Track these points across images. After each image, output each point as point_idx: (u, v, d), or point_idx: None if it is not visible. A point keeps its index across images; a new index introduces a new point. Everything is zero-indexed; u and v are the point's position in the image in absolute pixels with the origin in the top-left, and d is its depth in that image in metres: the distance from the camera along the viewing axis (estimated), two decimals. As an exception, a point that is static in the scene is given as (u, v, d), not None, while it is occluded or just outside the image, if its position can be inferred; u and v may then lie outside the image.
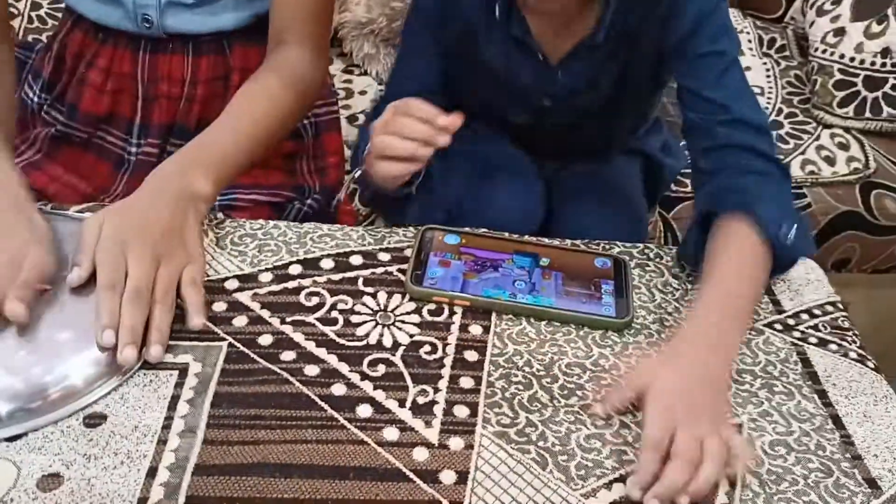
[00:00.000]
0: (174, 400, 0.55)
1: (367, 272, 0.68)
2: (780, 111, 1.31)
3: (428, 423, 0.55)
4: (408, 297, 0.66)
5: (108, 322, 0.56)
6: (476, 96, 0.85)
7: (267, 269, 0.67)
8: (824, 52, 1.27)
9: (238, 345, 0.59)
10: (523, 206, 0.83)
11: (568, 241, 0.74)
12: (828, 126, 1.27)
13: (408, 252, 0.70)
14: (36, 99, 0.87)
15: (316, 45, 0.79)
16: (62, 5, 1.30)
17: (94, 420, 0.53)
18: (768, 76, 1.37)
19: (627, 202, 0.92)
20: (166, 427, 0.53)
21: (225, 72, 0.83)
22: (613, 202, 0.90)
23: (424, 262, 0.68)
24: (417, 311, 0.65)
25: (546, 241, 0.74)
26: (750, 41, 1.45)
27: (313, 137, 0.90)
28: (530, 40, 0.78)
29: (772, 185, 0.68)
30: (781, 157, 0.71)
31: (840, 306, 0.72)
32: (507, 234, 0.74)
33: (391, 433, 0.54)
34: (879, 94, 1.23)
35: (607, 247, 0.74)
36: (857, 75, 1.23)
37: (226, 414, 0.54)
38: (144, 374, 0.56)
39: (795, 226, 0.65)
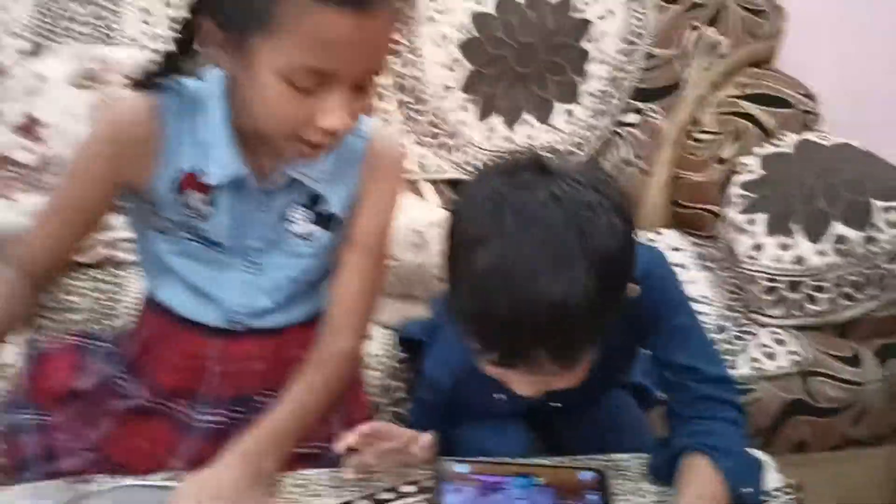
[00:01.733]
0: None
1: (396, 504, 0.83)
2: (724, 317, 1.52)
3: None
4: (430, 524, 0.80)
5: None
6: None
7: (311, 512, 0.82)
8: (750, 264, 1.51)
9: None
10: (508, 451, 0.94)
11: (557, 459, 0.91)
12: (765, 326, 1.48)
13: (427, 483, 0.85)
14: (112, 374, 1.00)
15: (362, 333, 0.97)
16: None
17: None
18: (710, 286, 1.60)
19: (636, 425, 1.06)
20: None
21: (284, 354, 0.98)
22: (623, 428, 1.04)
23: (440, 491, 0.83)
24: (439, 535, 0.79)
25: (538, 460, 0.90)
26: (691, 257, 1.69)
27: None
28: (532, 401, 0.87)
29: (736, 434, 0.86)
30: (740, 400, 0.90)
31: (789, 490, 0.87)
32: (507, 459, 0.90)
33: None
34: (801, 295, 1.46)
35: (589, 461, 0.90)
36: (780, 282, 1.47)
37: None
38: None
39: (752, 489, 0.83)
